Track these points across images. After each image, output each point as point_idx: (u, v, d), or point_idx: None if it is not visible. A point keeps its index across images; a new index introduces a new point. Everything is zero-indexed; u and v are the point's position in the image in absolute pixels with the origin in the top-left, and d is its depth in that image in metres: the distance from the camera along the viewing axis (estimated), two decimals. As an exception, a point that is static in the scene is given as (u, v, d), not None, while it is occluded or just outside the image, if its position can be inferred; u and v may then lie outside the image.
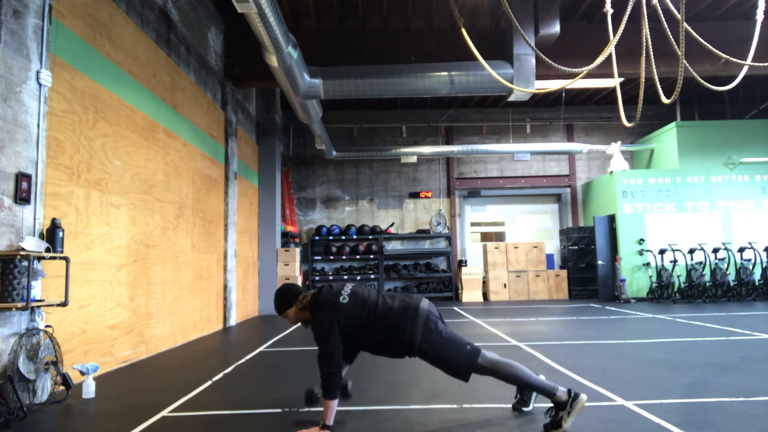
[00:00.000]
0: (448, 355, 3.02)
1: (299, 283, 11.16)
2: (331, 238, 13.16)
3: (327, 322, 2.99)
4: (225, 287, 8.55)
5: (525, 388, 3.25)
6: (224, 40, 8.90)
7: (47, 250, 3.78)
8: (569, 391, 2.95)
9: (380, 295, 3.16)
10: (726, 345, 5.54)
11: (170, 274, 6.43)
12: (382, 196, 13.90)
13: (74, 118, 4.44)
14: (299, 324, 3.28)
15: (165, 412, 3.50)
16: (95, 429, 3.21)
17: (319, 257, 13.08)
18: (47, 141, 4.05)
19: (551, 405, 3.00)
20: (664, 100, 5.38)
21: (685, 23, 4.84)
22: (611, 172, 12.19)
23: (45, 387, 3.73)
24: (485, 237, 14.40)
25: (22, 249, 3.55)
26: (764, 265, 11.23)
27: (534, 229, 14.44)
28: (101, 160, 4.85)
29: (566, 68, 5.54)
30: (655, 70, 5.33)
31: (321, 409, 3.40)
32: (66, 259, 3.94)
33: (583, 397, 2.92)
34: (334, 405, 2.91)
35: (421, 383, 4.13)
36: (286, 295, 3.20)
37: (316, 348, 3.04)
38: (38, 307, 3.75)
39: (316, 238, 13.17)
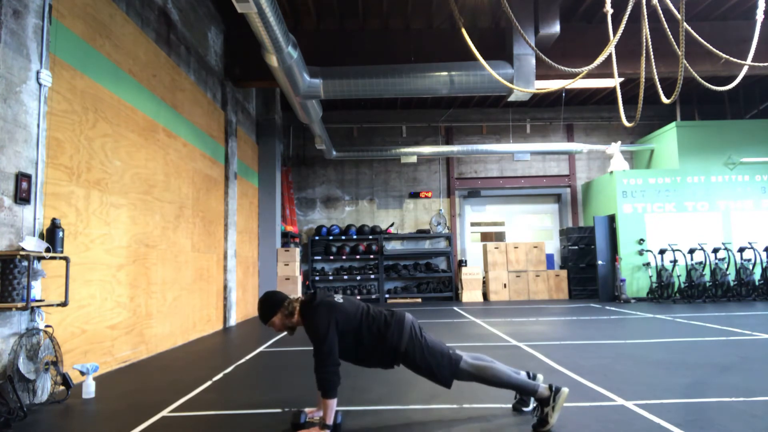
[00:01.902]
0: (432, 360, 3.09)
1: (299, 283, 11.17)
2: (331, 238, 13.16)
3: (325, 320, 3.00)
4: (225, 287, 8.55)
5: (506, 389, 3.26)
6: (224, 40, 8.90)
7: (47, 250, 3.78)
8: (550, 387, 2.99)
9: (368, 305, 3.28)
10: (726, 345, 5.54)
11: (170, 274, 6.43)
12: (382, 196, 13.89)
13: (74, 118, 4.44)
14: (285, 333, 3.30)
15: (165, 412, 3.50)
16: (95, 429, 3.21)
17: (319, 257, 13.08)
18: (47, 141, 4.05)
19: (535, 404, 3.02)
20: (664, 100, 5.37)
21: (685, 23, 4.84)
22: (611, 172, 12.19)
23: (45, 387, 3.73)
24: (485, 237, 14.40)
25: (22, 249, 3.55)
26: (764, 265, 11.23)
27: (534, 229, 14.44)
28: (101, 160, 4.85)
29: (566, 68, 5.53)
30: (655, 70, 5.33)
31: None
32: (66, 259, 3.94)
33: (565, 390, 2.97)
34: (334, 404, 2.91)
35: (421, 383, 4.13)
36: (269, 303, 3.16)
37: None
38: (38, 307, 3.75)
39: (316, 238, 13.17)
